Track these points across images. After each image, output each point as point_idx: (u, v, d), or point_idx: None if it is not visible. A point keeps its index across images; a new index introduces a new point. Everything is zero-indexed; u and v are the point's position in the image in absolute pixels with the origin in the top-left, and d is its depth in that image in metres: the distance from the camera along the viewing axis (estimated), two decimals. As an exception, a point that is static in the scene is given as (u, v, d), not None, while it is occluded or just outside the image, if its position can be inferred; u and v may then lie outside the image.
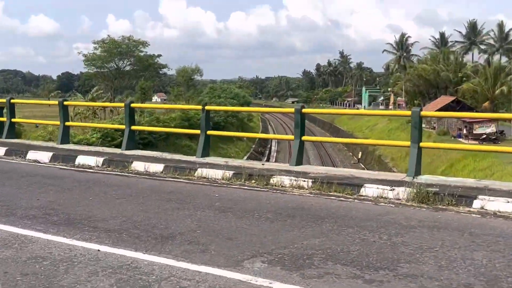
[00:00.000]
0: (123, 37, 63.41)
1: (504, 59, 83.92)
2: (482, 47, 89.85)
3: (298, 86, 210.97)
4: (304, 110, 9.81)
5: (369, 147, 52.63)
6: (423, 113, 8.62)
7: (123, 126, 12.44)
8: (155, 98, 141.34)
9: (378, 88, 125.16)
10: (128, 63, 65.68)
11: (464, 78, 71.69)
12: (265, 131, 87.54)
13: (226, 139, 46.59)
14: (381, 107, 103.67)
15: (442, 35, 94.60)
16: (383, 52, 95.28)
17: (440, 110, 52.14)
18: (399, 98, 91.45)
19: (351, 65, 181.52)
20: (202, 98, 65.02)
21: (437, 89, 79.04)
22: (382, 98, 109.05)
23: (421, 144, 8.57)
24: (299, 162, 9.72)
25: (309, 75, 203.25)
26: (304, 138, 9.92)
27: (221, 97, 65.97)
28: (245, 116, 66.83)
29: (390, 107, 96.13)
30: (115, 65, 64.72)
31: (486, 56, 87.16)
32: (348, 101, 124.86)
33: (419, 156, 8.53)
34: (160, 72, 71.09)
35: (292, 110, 10.01)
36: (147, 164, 10.01)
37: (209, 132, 10.90)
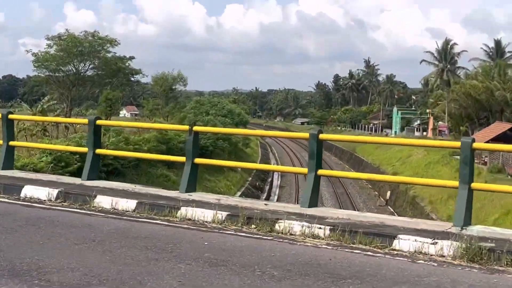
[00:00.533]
0: (85, 32, 63.86)
1: None
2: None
3: (310, 102, 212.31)
4: (322, 136, 9.90)
5: (401, 186, 52.69)
6: (476, 145, 8.69)
7: (84, 149, 12.48)
8: (123, 112, 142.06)
9: (413, 109, 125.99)
10: (90, 66, 66.04)
11: (526, 100, 72.24)
12: (266, 159, 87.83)
13: (215, 169, 46.64)
14: (417, 133, 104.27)
15: (497, 43, 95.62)
16: (421, 62, 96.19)
17: (493, 140, 52.56)
18: (440, 122, 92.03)
19: (379, 78, 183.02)
20: (185, 114, 65.28)
21: (489, 112, 79.53)
22: (418, 122, 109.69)
23: (473, 185, 8.62)
24: (313, 203, 9.77)
25: (325, 89, 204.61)
26: (321, 172, 9.98)
27: (210, 114, 66.33)
28: (240, 140, 67.06)
29: (429, 133, 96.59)
30: (73, 69, 65.06)
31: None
32: (374, 124, 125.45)
33: (470, 201, 8.58)
34: (132, 79, 71.44)
35: (306, 135, 10.10)
36: (115, 200, 10.03)
37: (197, 161, 10.97)
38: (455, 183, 8.78)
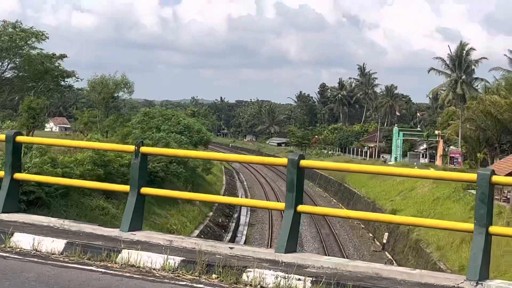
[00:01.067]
0: (4, 22, 63.49)
1: None
2: None
3: (290, 118, 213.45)
4: (304, 163, 9.94)
5: (402, 227, 52.99)
6: (497, 178, 8.79)
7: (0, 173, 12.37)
8: (51, 125, 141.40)
9: (418, 129, 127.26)
10: (10, 65, 65.62)
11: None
12: (232, 189, 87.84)
13: (167, 201, 46.47)
14: (422, 160, 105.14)
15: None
16: (429, 71, 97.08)
17: (519, 171, 53.17)
18: (452, 147, 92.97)
19: (377, 89, 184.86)
20: (130, 129, 65.11)
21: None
22: (424, 145, 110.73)
23: (492, 229, 8.71)
24: (291, 248, 9.78)
25: (308, 102, 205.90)
26: (301, 208, 10.02)
27: (162, 129, 66.24)
28: (199, 164, 66.95)
29: (438, 161, 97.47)
30: (-14, 68, 64.64)
31: None
32: (369, 147, 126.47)
33: (488, 248, 8.65)
34: (63, 83, 71.06)
35: (284, 161, 10.13)
36: (38, 239, 9.95)
37: (144, 191, 10.93)
38: (470, 225, 8.86)
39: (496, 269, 36.22)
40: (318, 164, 11.22)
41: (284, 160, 10.17)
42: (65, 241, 9.90)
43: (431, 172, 9.86)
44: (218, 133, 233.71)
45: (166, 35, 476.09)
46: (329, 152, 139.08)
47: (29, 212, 14.27)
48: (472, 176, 8.91)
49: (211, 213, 56.54)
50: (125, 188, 11.17)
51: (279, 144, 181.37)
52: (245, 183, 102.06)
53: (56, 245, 9.84)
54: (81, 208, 34.04)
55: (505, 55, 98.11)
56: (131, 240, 10.10)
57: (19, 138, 12.04)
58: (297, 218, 9.95)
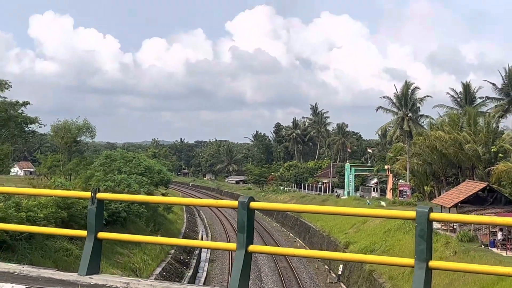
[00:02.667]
0: (-33, 72, 62.99)
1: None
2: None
3: (247, 157, 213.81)
4: (253, 205, 9.95)
5: (356, 258, 53.12)
6: (434, 215, 8.89)
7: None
8: (15, 169, 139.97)
9: (369, 164, 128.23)
10: (-28, 114, 64.93)
11: (500, 155, 74.53)
12: (193, 227, 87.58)
13: (129, 241, 46.08)
14: (374, 194, 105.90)
15: (466, 87, 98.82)
16: (377, 110, 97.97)
17: (464, 202, 53.79)
18: (401, 181, 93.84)
19: (329, 127, 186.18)
20: (92, 172, 64.71)
21: (459, 169, 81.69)
22: (375, 180, 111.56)
23: (431, 263, 8.78)
24: (243, 287, 9.75)
25: (264, 141, 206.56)
26: (252, 248, 10.01)
27: (123, 171, 65.90)
28: (160, 204, 66.77)
29: (388, 194, 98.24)
30: None
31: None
32: (324, 183, 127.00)
33: (428, 282, 8.71)
34: (26, 129, 70.41)
35: (235, 203, 10.15)
36: (-3, 285, 9.83)
37: (101, 235, 10.84)
38: (411, 260, 8.94)
39: (445, 297, 36.46)
40: (267, 206, 11.24)
41: (235, 203, 10.17)
42: (24, 287, 9.77)
43: (373, 210, 9.86)
44: (179, 173, 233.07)
45: (127, 80, 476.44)
46: (286, 188, 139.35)
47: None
48: (412, 213, 9.00)
49: (172, 251, 56.15)
50: (83, 233, 11.06)
51: (237, 182, 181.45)
52: (205, 220, 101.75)
53: (15, 291, 9.71)
54: (45, 250, 33.65)
55: (447, 93, 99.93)
56: (89, 284, 9.99)
57: (-21, 187, 11.92)
58: (248, 258, 9.92)
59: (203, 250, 65.66)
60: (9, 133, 66.70)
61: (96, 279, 10.36)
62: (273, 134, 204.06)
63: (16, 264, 12.03)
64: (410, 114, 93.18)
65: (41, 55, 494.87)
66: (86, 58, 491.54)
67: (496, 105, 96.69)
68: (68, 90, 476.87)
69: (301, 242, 79.94)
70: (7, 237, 28.72)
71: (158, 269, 47.58)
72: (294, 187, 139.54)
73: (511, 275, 9.01)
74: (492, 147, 76.62)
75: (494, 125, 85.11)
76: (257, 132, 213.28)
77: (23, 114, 67.69)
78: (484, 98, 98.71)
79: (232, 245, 10.40)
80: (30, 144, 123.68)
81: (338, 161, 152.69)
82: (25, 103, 67.90)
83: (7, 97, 65.51)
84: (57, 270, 11.33)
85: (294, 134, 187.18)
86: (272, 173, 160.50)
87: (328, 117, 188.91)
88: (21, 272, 10.93)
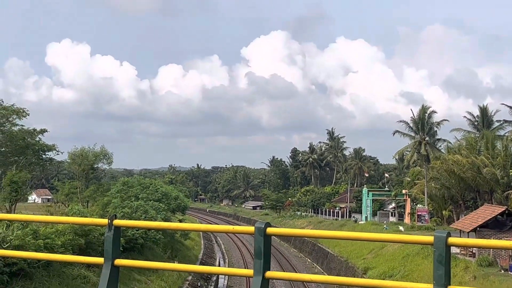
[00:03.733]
0: (-14, 101, 63.49)
1: None
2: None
3: (264, 182, 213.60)
4: (270, 231, 9.92)
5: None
6: (452, 240, 8.82)
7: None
8: (33, 197, 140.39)
9: (387, 189, 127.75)
10: (-8, 141, 65.42)
11: (519, 178, 74.01)
12: (210, 253, 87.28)
13: (146, 268, 46.00)
14: (392, 218, 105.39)
15: (483, 110, 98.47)
16: (394, 134, 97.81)
17: (482, 226, 53.44)
18: (419, 205, 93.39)
19: (346, 152, 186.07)
20: (109, 199, 64.84)
21: (477, 193, 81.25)
22: (393, 204, 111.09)
23: (450, 288, 8.72)
24: (260, 313, 9.70)
25: (281, 166, 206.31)
26: (269, 274, 9.96)
27: (140, 198, 66.00)
28: (177, 231, 66.75)
29: (406, 219, 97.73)
30: (-30, 145, 64.42)
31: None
32: (341, 207, 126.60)
33: (448, 307, 8.64)
34: (44, 157, 70.83)
35: (251, 229, 10.12)
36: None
37: (118, 262, 10.81)
38: (429, 286, 8.86)
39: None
40: (284, 232, 11.17)
41: (251, 229, 10.14)
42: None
43: (391, 235, 9.79)
44: (196, 199, 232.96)
45: (143, 107, 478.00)
46: (303, 213, 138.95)
47: (9, 286, 14.15)
48: (429, 238, 8.94)
49: (190, 277, 55.96)
50: (100, 260, 11.04)
51: (254, 208, 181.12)
52: (222, 246, 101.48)
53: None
54: (63, 277, 33.67)
55: (464, 116, 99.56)
56: (106, 311, 9.97)
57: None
58: (265, 284, 9.86)
59: (220, 276, 65.45)
60: (26, 161, 67.08)
61: (113, 306, 10.34)
62: (290, 159, 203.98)
63: (34, 292, 12.03)
64: (427, 138, 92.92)
65: (58, 82, 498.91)
66: (103, 85, 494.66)
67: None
68: (85, 117, 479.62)
69: (319, 267, 79.55)
70: (25, 264, 28.74)
71: (175, 297, 47.45)
72: (311, 212, 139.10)
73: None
74: (510, 170, 76.16)
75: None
76: (273, 157, 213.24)
77: (40, 142, 68.15)
78: (501, 122, 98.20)
79: (249, 271, 10.35)
80: (47, 171, 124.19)
81: (355, 185, 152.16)
82: (43, 131, 68.38)
83: (25, 125, 66.04)
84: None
85: (310, 159, 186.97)
86: (289, 198, 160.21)
87: (344, 141, 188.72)
88: (39, 300, 10.93)
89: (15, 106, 64.74)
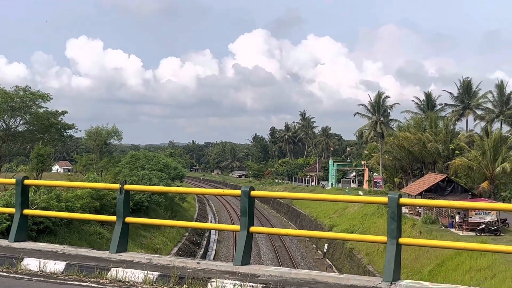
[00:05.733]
0: (17, 87, 62.79)
1: (505, 128, 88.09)
2: (479, 112, 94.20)
3: (247, 155, 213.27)
4: (253, 193, 10.00)
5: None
6: (403, 200, 8.96)
7: (11, 210, 12.22)
8: (56, 167, 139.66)
9: (349, 161, 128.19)
10: (21, 121, 64.85)
11: (457, 151, 74.51)
12: (203, 213, 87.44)
13: (151, 225, 46.09)
14: (353, 185, 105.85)
15: (428, 95, 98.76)
16: (354, 115, 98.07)
17: (426, 191, 53.86)
18: (375, 174, 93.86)
19: (315, 130, 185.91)
20: (120, 169, 64.64)
21: (423, 164, 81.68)
22: (354, 173, 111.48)
23: (401, 240, 8.84)
24: (246, 261, 9.79)
25: (262, 142, 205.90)
26: (253, 229, 10.06)
27: (145, 168, 65.88)
28: (176, 194, 66.74)
29: (364, 185, 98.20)
30: (3, 124, 63.74)
31: (483, 123, 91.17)
32: (311, 176, 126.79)
33: (398, 256, 8.77)
34: (65, 134, 70.36)
35: (238, 192, 10.18)
36: (43, 262, 9.84)
37: (128, 220, 10.88)
38: (384, 238, 8.99)
39: (412, 270, 36.46)
40: (265, 194, 11.24)
41: (238, 192, 10.21)
42: (65, 263, 9.80)
43: (352, 197, 9.92)
44: (191, 169, 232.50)
45: (148, 93, 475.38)
46: (280, 181, 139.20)
47: (37, 240, 14.09)
48: (384, 199, 9.07)
49: (187, 233, 56.14)
50: (113, 218, 11.09)
51: (239, 176, 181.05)
52: (213, 208, 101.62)
53: (58, 266, 9.73)
54: (82, 234, 33.68)
55: (413, 100, 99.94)
56: (118, 260, 10.03)
57: (26, 182, 11.93)
58: (249, 237, 9.98)
59: (212, 232, 65.67)
60: (50, 137, 66.69)
61: (124, 256, 10.42)
62: (269, 136, 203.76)
63: (58, 245, 12.05)
64: (382, 119, 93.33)
65: (77, 72, 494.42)
66: (114, 74, 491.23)
67: (453, 110, 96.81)
68: (99, 101, 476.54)
69: (293, 225, 79.92)
70: (49, 223, 28.70)
71: (175, 249, 47.60)
72: (287, 180, 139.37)
73: (466, 249, 9.09)
74: (450, 145, 76.74)
75: (452, 127, 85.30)
76: (255, 134, 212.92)
77: (62, 122, 67.63)
78: (443, 105, 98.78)
79: (236, 227, 10.47)
80: (68, 146, 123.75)
81: (323, 158, 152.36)
82: (64, 112, 67.90)
83: (49, 107, 65.54)
84: (92, 249, 11.38)
85: (286, 136, 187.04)
86: (269, 169, 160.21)
87: (314, 121, 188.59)
88: (62, 251, 10.96)
89: (40, 92, 64.21)
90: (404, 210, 52.89)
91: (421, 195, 53.57)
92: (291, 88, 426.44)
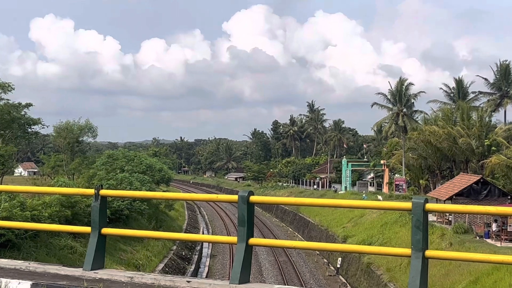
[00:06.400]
0: (-29, 75, 62.92)
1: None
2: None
3: (246, 154, 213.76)
4: (253, 199, 9.98)
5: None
6: (429, 206, 8.94)
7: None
8: (19, 170, 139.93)
9: (365, 160, 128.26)
10: (-23, 116, 64.94)
11: (493, 148, 74.59)
12: (194, 223, 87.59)
13: (132, 237, 46.12)
14: (370, 188, 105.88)
15: (459, 82, 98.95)
16: (372, 106, 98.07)
17: (458, 195, 53.87)
18: (397, 175, 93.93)
19: (326, 124, 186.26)
20: (95, 171, 64.69)
21: (453, 163, 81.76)
22: (372, 175, 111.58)
23: (428, 253, 8.82)
24: (244, 278, 9.77)
25: (263, 138, 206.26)
26: (253, 241, 10.05)
27: (125, 170, 65.90)
28: (162, 201, 66.80)
29: (384, 188, 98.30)
30: (-46, 120, 63.97)
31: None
32: (321, 178, 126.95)
33: (425, 271, 8.75)
34: (29, 130, 70.46)
35: (235, 198, 10.17)
36: (4, 281, 9.83)
37: (105, 231, 10.87)
38: (407, 250, 8.98)
39: None
40: (267, 200, 11.25)
41: (235, 197, 10.19)
42: (30, 282, 9.80)
43: (369, 202, 9.89)
44: (179, 171, 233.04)
45: (127, 81, 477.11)
46: (284, 184, 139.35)
47: (-3, 256, 14.10)
48: (408, 204, 9.05)
49: (174, 247, 56.22)
50: (87, 229, 11.08)
51: (236, 179, 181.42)
52: (206, 217, 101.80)
53: (22, 286, 9.74)
54: (50, 248, 33.72)
55: (441, 88, 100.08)
56: (94, 279, 10.03)
57: (-15, 186, 11.94)
58: (249, 250, 9.95)
59: (204, 246, 65.75)
60: (12, 135, 66.71)
61: (101, 274, 10.40)
62: (271, 131, 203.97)
63: (22, 261, 12.05)
64: (404, 110, 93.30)
65: (43, 57, 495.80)
66: (87, 60, 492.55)
67: (488, 100, 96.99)
68: (70, 91, 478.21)
69: (300, 236, 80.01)
70: (12, 236, 28.75)
71: (161, 265, 47.66)
72: (292, 183, 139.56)
73: (505, 263, 9.06)
74: (485, 140, 76.78)
75: (487, 119, 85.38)
76: (255, 129, 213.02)
77: (26, 116, 67.75)
78: (476, 93, 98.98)
79: (233, 239, 10.44)
80: (33, 145, 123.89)
81: (335, 156, 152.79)
82: (28, 105, 67.99)
83: (10, 99, 65.56)
84: (63, 266, 11.37)
85: (291, 131, 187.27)
86: (271, 170, 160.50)
87: (324, 114, 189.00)
88: (27, 268, 10.96)
89: (0, 81, 64.27)
90: (431, 217, 52.94)
91: (451, 199, 53.60)
92: (297, 74, 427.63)
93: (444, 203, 53.40)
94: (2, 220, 24.62)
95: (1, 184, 54.68)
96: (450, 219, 53.42)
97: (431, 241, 44.72)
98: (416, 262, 8.73)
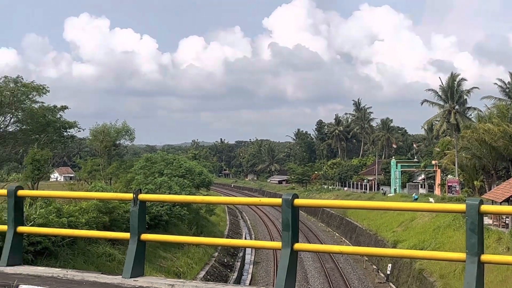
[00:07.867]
0: (6, 78, 63.63)
1: None
2: None
3: (289, 156, 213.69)
4: (298, 202, 9.97)
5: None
6: (485, 207, 8.84)
7: (2, 227, 12.38)
8: (55, 175, 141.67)
9: (416, 160, 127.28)
10: (12, 120, 65.74)
11: (552, 146, 73.57)
12: (235, 228, 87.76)
13: (172, 244, 46.38)
14: (421, 190, 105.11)
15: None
16: (422, 103, 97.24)
17: (515, 196, 53.23)
18: (449, 176, 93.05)
19: (373, 123, 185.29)
20: (133, 175, 65.15)
21: (510, 162, 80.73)
22: (422, 176, 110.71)
23: (483, 257, 8.73)
24: (289, 286, 9.77)
25: (306, 139, 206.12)
26: (298, 246, 10.03)
27: (164, 174, 66.26)
28: (202, 206, 67.00)
29: (436, 190, 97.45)
30: (-9, 123, 64.81)
31: None
32: (369, 180, 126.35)
33: (481, 277, 8.65)
34: (65, 134, 71.14)
35: (278, 201, 10.16)
36: (42, 290, 9.96)
37: (144, 237, 10.94)
38: (462, 255, 8.89)
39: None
40: (312, 203, 11.24)
41: (278, 200, 10.18)
42: (69, 291, 9.90)
43: (421, 204, 9.80)
44: (220, 174, 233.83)
45: (165, 81, 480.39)
46: (329, 187, 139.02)
47: (33, 264, 14.27)
48: (461, 206, 8.96)
49: (216, 254, 56.39)
50: (126, 235, 11.15)
51: (280, 182, 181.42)
52: (248, 222, 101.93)
53: (60, 295, 9.84)
54: (88, 255, 34.00)
55: (495, 83, 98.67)
56: (133, 286, 10.08)
57: (20, 192, 12.06)
58: (294, 256, 9.93)
59: (247, 252, 65.82)
60: (48, 139, 67.26)
61: (140, 281, 10.45)
62: (315, 131, 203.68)
63: (60, 269, 12.18)
64: (457, 107, 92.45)
65: (78, 58, 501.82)
66: (124, 59, 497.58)
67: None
68: (107, 93, 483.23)
69: (347, 241, 79.73)
70: (49, 243, 29.00)
71: (202, 273, 47.81)
72: (339, 185, 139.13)
73: None
74: (544, 138, 75.82)
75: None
76: (298, 130, 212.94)
77: (61, 119, 68.29)
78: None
79: (277, 244, 10.42)
80: (69, 149, 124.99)
81: (383, 157, 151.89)
82: (63, 108, 68.59)
83: (45, 102, 66.15)
84: (101, 273, 11.46)
85: (336, 131, 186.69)
86: (315, 172, 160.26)
87: (371, 112, 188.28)
88: (65, 277, 11.06)
89: (35, 83, 64.88)
90: (487, 220, 52.38)
91: (508, 201, 52.97)
92: (342, 71, 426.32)
93: (501, 205, 52.80)
94: (40, 226, 24.90)
95: (37, 189, 55.33)
96: (507, 222, 52.80)
97: (487, 245, 44.25)
98: (471, 267, 8.64)
